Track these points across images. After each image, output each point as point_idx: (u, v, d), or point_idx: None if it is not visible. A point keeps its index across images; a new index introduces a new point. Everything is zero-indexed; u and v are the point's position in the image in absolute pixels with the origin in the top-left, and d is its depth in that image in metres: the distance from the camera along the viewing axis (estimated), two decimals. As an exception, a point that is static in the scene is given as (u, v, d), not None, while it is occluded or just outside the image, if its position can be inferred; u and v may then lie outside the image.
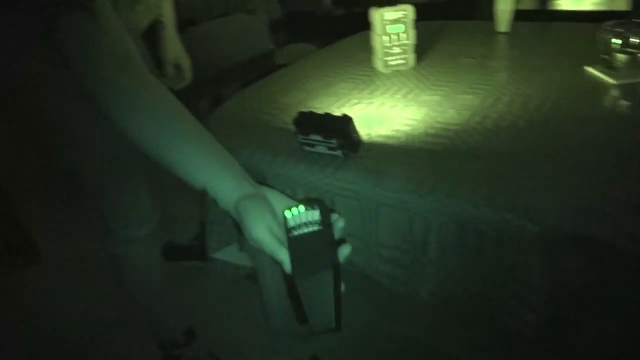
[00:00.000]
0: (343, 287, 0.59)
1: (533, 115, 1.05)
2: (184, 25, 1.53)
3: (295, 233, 0.60)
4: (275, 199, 0.64)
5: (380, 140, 1.03)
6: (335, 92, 1.29)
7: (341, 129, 0.96)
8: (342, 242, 0.61)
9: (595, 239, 0.77)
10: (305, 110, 1.02)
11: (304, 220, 0.61)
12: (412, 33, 1.36)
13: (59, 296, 1.73)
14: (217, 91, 1.84)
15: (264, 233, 0.59)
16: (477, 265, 0.85)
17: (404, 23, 1.34)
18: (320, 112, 1.01)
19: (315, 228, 0.60)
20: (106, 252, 1.26)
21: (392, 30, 1.35)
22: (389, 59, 1.38)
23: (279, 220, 0.62)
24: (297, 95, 1.29)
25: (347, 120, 0.97)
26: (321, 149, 0.99)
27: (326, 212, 0.62)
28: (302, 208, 0.61)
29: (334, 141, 0.96)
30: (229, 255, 1.27)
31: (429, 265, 0.88)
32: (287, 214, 0.61)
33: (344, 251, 0.60)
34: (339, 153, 0.97)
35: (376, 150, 1.00)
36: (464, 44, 1.60)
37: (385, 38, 1.35)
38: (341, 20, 2.89)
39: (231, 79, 1.85)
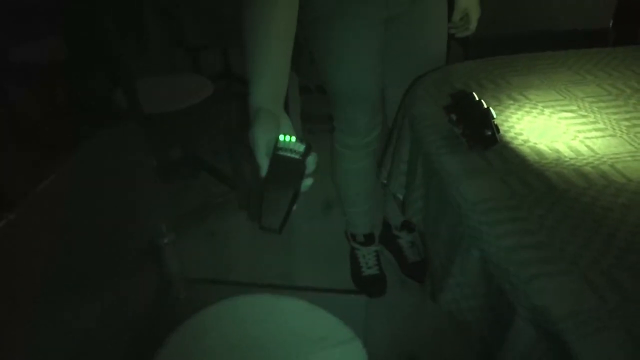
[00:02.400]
0: (295, 207, 0.72)
1: None
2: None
3: (280, 152, 0.74)
4: (285, 124, 0.77)
5: (527, 152, 0.93)
6: (570, 92, 1.13)
7: (471, 119, 0.93)
8: (308, 175, 0.73)
9: None
10: (468, 90, 1.00)
11: (290, 147, 0.74)
12: None
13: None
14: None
15: (261, 138, 0.73)
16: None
17: None
18: (477, 97, 0.98)
19: (296, 156, 0.73)
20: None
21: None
22: (674, 80, 1.08)
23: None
24: (528, 79, 1.19)
25: (484, 113, 0.92)
26: (456, 130, 0.98)
27: (308, 150, 0.74)
28: (293, 138, 0.74)
29: (461, 127, 0.94)
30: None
31: (451, 276, 0.84)
32: (281, 136, 0.75)
33: (307, 182, 0.73)
34: (463, 140, 0.95)
35: (507, 157, 0.92)
36: None
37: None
38: None
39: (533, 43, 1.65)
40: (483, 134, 0.93)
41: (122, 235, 0.89)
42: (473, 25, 1.45)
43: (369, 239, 1.73)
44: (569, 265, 0.68)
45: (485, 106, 0.94)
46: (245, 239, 2.01)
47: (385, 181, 1.28)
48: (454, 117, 0.97)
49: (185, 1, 2.07)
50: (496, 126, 0.93)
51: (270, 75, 0.78)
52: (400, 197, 1.19)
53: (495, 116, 0.93)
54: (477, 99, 0.97)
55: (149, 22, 2.13)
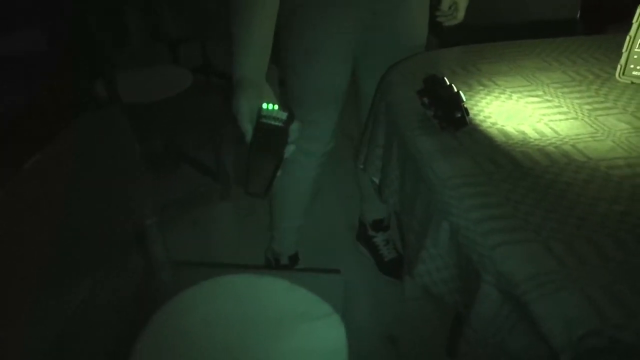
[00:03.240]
0: (279, 172, 0.76)
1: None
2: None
3: (264, 120, 0.77)
4: (268, 94, 0.81)
5: (495, 133, 0.98)
6: (537, 78, 1.19)
7: (442, 102, 0.97)
8: (291, 142, 0.77)
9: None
10: (439, 74, 1.04)
11: (274, 115, 0.77)
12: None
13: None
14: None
15: (244, 105, 0.77)
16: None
17: (671, 31, 1.07)
18: (448, 81, 1.02)
19: (279, 124, 0.77)
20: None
21: (653, 35, 1.09)
22: (634, 66, 1.13)
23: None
24: (497, 66, 1.24)
25: (454, 96, 0.97)
26: (429, 112, 1.02)
27: (291, 118, 0.77)
28: (276, 106, 0.78)
29: (433, 109, 0.99)
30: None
31: (424, 249, 0.88)
32: (264, 105, 0.78)
33: (290, 148, 0.77)
34: (435, 122, 0.99)
35: (476, 138, 0.97)
36: None
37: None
38: None
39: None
40: (453, 116, 0.97)
41: (109, 218, 0.91)
42: (461, 14, 1.45)
43: (293, 260, 1.69)
44: (532, 234, 0.73)
45: (456, 90, 0.98)
46: (228, 228, 2.04)
47: (362, 166, 1.32)
48: (426, 100, 1.01)
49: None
50: (466, 109, 0.98)
51: (255, 49, 0.82)
52: (377, 180, 1.23)
53: (464, 99, 0.97)
54: (448, 83, 1.01)
55: (128, 15, 2.14)
